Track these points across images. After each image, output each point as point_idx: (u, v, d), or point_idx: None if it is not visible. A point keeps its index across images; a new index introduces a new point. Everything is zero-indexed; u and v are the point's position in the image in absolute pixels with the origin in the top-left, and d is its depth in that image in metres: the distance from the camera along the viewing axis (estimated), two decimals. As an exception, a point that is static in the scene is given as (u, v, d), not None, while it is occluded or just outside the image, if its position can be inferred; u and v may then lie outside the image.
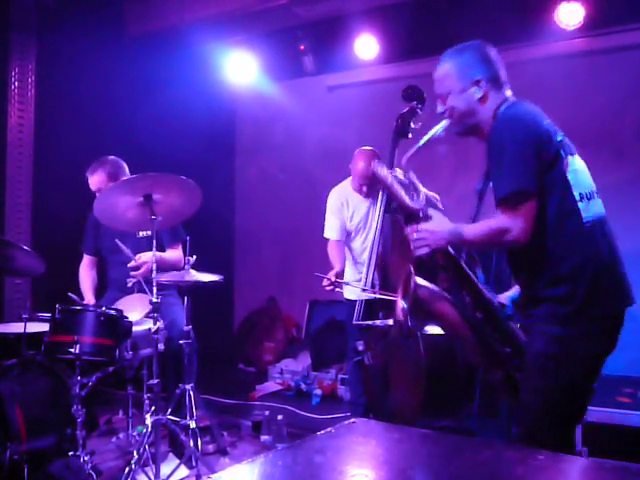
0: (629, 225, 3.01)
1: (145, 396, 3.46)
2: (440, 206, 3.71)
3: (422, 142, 2.23)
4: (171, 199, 3.11)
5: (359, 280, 3.72)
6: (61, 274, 3.82)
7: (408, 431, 1.63)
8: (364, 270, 3.65)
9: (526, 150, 1.98)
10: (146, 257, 3.40)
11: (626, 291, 2.05)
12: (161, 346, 3.10)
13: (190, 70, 5.42)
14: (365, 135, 4.63)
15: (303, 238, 5.70)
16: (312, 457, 1.41)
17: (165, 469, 3.15)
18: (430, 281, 2.20)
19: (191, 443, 3.25)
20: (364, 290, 3.54)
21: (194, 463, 3.22)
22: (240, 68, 5.49)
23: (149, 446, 3.04)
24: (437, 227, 2.12)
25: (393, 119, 3.63)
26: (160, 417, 3.02)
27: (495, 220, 2.01)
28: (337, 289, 3.63)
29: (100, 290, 3.89)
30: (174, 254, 3.72)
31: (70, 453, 2.97)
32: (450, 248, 2.14)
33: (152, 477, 2.98)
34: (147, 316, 3.27)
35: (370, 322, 3.58)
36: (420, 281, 2.09)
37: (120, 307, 3.23)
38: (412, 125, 3.54)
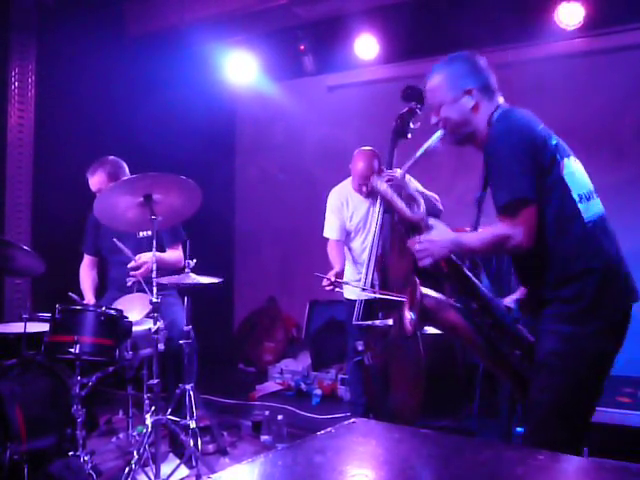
0: (629, 225, 3.01)
1: (145, 396, 3.46)
2: (440, 206, 3.72)
3: (418, 154, 2.25)
4: (171, 199, 3.11)
5: (359, 280, 3.72)
6: (61, 274, 3.82)
7: (408, 431, 1.63)
8: (364, 270, 3.65)
9: (522, 157, 2.00)
10: (146, 257, 3.40)
11: (632, 287, 2.07)
12: (161, 346, 3.10)
13: (190, 70, 5.42)
14: (365, 135, 4.63)
15: (303, 238, 5.70)
16: (312, 457, 1.41)
17: (165, 469, 3.15)
18: (435, 288, 2.21)
19: (191, 443, 3.25)
20: (364, 290, 3.54)
21: (194, 463, 3.22)
22: (240, 68, 5.49)
23: (149, 446, 3.04)
24: (439, 237, 2.14)
25: (393, 119, 3.63)
26: (160, 417, 3.02)
27: (497, 228, 2.04)
28: (337, 289, 3.64)
29: (100, 290, 3.89)
30: (174, 254, 3.72)
31: (70, 453, 2.97)
32: (453, 256, 2.15)
33: (152, 477, 2.98)
34: (147, 316, 3.27)
35: (370, 322, 3.58)
36: (426, 291, 2.10)
37: (120, 307, 3.23)
38: (411, 125, 3.54)
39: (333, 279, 3.61)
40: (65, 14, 4.73)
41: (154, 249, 3.04)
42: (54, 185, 4.65)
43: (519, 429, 3.52)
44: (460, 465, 1.39)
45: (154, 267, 3.02)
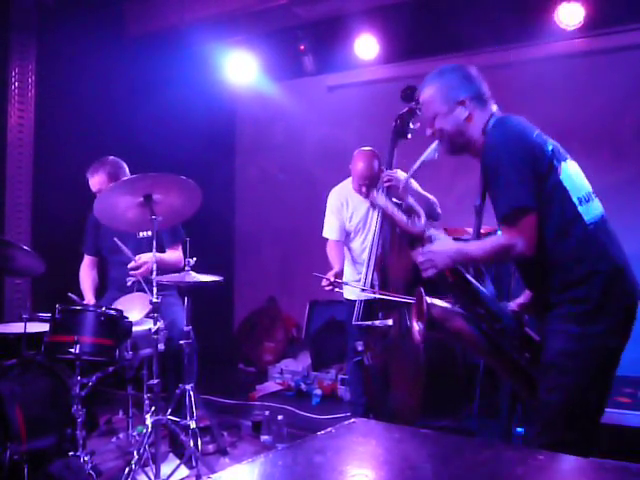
0: (629, 225, 3.01)
1: (145, 396, 3.46)
2: (438, 210, 3.72)
3: (415, 167, 2.29)
4: (171, 199, 3.11)
5: (358, 280, 3.72)
6: (61, 274, 3.82)
7: (408, 431, 1.63)
8: (363, 270, 3.65)
9: (520, 166, 2.02)
10: (146, 257, 3.40)
11: (637, 285, 2.08)
12: (161, 346, 3.10)
13: (190, 70, 5.42)
14: (365, 135, 4.62)
15: (303, 238, 5.70)
16: (312, 457, 1.41)
17: (165, 469, 3.15)
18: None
19: (191, 443, 3.25)
20: (363, 290, 3.54)
21: (194, 463, 3.22)
22: (240, 68, 5.49)
23: (149, 446, 3.04)
24: (442, 248, 2.15)
25: (393, 119, 3.63)
26: (160, 417, 3.02)
27: (498, 238, 2.07)
28: (336, 289, 3.63)
29: (100, 290, 3.89)
30: (174, 255, 3.72)
31: (70, 453, 2.97)
32: (458, 265, 2.17)
33: (152, 477, 2.98)
34: (147, 316, 3.27)
35: (370, 322, 3.58)
36: (432, 300, 2.11)
37: (120, 307, 3.23)
38: (411, 125, 3.54)
39: (332, 279, 3.60)
40: (65, 14, 4.73)
41: (154, 249, 3.04)
42: (54, 185, 4.65)
43: (519, 429, 3.52)
44: (460, 465, 1.39)
45: (154, 267, 3.02)
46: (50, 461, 2.93)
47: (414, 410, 3.28)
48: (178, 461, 3.35)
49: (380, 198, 2.31)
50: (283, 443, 3.67)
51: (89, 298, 3.74)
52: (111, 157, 3.76)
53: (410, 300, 3.00)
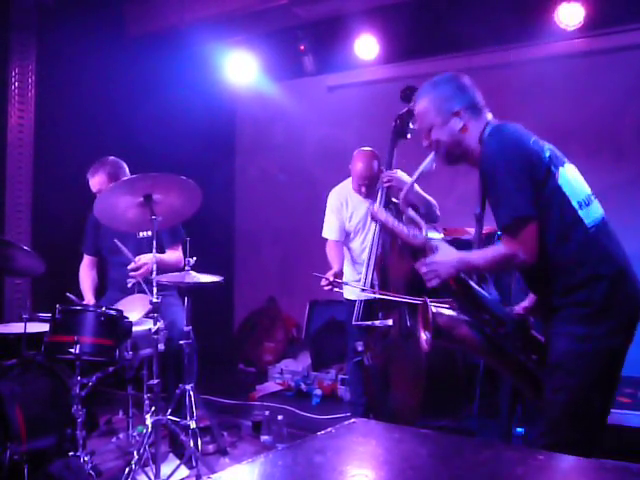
0: (629, 225, 3.01)
1: (145, 396, 3.46)
2: (437, 212, 3.72)
3: (413, 179, 2.32)
4: (171, 199, 3.10)
5: (358, 280, 3.72)
6: (61, 274, 3.82)
7: (408, 431, 1.63)
8: (363, 270, 3.65)
9: (518, 175, 2.03)
10: (145, 258, 3.40)
11: (638, 284, 2.09)
12: (161, 346, 3.10)
13: (190, 70, 5.42)
14: (365, 135, 4.62)
15: (303, 238, 5.70)
16: (312, 457, 1.41)
17: (165, 469, 3.15)
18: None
19: (191, 443, 3.25)
20: (364, 290, 3.54)
21: (194, 463, 3.22)
22: (240, 68, 5.49)
23: (149, 446, 3.04)
24: (444, 258, 2.17)
25: (393, 119, 3.63)
26: (160, 417, 3.02)
27: (500, 247, 2.08)
28: (335, 289, 3.63)
29: (100, 290, 3.89)
30: (174, 255, 3.72)
31: (70, 453, 2.97)
32: (461, 273, 2.19)
33: (152, 477, 2.98)
34: (147, 316, 3.27)
35: (370, 322, 3.58)
36: (437, 309, 2.13)
37: (120, 307, 3.23)
38: (411, 125, 3.54)
39: (332, 279, 3.60)
40: (65, 14, 4.73)
41: (154, 250, 3.03)
42: (54, 185, 4.65)
43: (519, 429, 3.53)
44: (460, 465, 1.39)
45: (154, 267, 3.02)
46: (50, 461, 2.93)
47: (414, 410, 3.28)
48: (178, 461, 3.35)
49: (381, 212, 2.33)
50: (283, 443, 3.67)
51: (89, 298, 3.74)
52: (111, 157, 3.76)
53: (410, 300, 3.00)
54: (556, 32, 4.40)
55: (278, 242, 6.42)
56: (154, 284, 3.01)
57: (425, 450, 1.49)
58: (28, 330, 3.13)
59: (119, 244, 3.29)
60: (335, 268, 3.71)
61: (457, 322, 2.15)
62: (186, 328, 3.46)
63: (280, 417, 3.85)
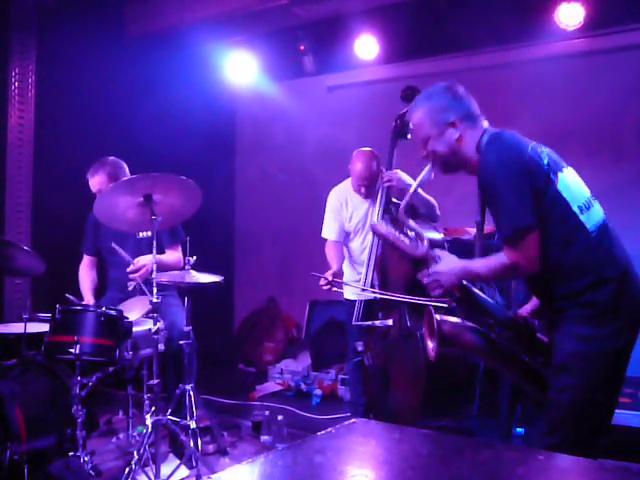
0: (629, 225, 3.01)
1: (145, 396, 3.46)
2: (438, 212, 3.72)
3: (412, 190, 2.34)
4: (171, 199, 3.10)
5: (358, 280, 3.72)
6: (61, 274, 3.82)
7: (408, 431, 1.63)
8: (363, 270, 3.65)
9: (518, 185, 2.03)
10: (144, 260, 3.40)
11: None
12: (161, 346, 3.09)
13: (190, 70, 5.42)
14: (365, 135, 4.63)
15: (303, 238, 5.70)
16: (312, 457, 1.41)
17: (165, 469, 3.15)
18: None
19: (191, 443, 3.25)
20: (364, 290, 3.54)
21: (194, 463, 3.22)
22: (240, 68, 5.49)
23: (149, 446, 3.04)
24: (447, 268, 2.18)
25: (393, 119, 3.64)
26: (160, 417, 3.02)
27: (503, 257, 2.09)
28: (334, 288, 3.62)
29: (100, 290, 3.89)
30: (173, 256, 3.71)
31: (70, 453, 2.97)
32: (464, 281, 2.20)
33: (152, 477, 2.98)
34: (147, 316, 3.27)
35: (370, 322, 3.58)
36: (442, 317, 2.14)
37: (122, 309, 3.22)
38: (411, 126, 3.53)
39: (330, 278, 3.59)
40: (65, 14, 4.73)
41: (154, 250, 3.03)
42: (54, 185, 4.65)
43: (519, 429, 3.52)
44: (460, 465, 1.39)
45: (154, 267, 3.02)
46: (50, 461, 2.93)
47: (414, 410, 3.28)
48: (178, 461, 3.35)
49: (381, 226, 2.33)
50: (283, 443, 3.67)
51: (88, 298, 3.73)
52: (111, 157, 3.76)
53: (409, 299, 3.00)
54: (556, 32, 4.39)
55: (278, 242, 6.42)
56: (154, 284, 3.01)
57: (425, 450, 1.49)
58: (28, 330, 3.13)
59: (117, 248, 3.28)
60: (334, 267, 3.70)
61: (462, 329, 2.16)
62: (186, 328, 3.46)
63: (280, 417, 3.85)
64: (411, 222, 2.30)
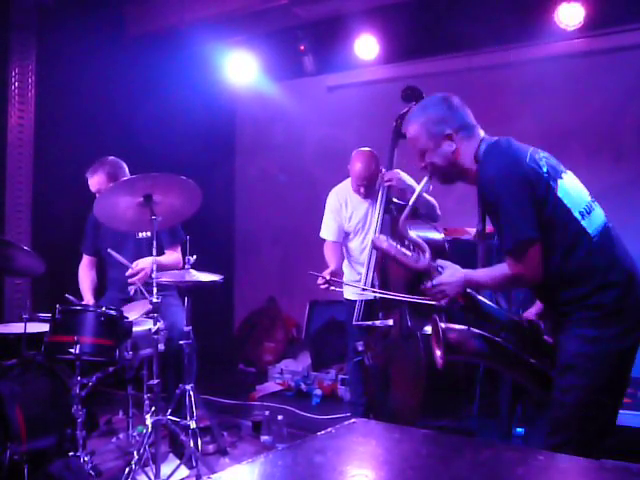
0: (629, 225, 3.01)
1: (145, 396, 3.46)
2: (438, 212, 3.72)
3: (411, 201, 2.36)
4: (171, 199, 3.10)
5: (358, 280, 3.72)
6: (61, 274, 3.82)
7: (408, 431, 1.63)
8: (363, 271, 3.65)
9: (519, 197, 2.04)
10: (143, 263, 3.40)
11: None
12: (161, 346, 3.10)
13: (190, 70, 5.42)
14: (365, 135, 4.63)
15: (303, 238, 5.69)
16: (312, 457, 1.41)
17: (165, 469, 3.15)
18: None
19: (191, 443, 3.25)
20: (364, 290, 3.54)
21: (194, 463, 3.22)
22: (240, 68, 5.49)
23: (149, 446, 3.04)
24: (451, 278, 2.19)
25: (393, 119, 3.63)
26: (160, 417, 3.02)
27: (506, 269, 2.10)
28: (332, 287, 3.61)
29: (100, 290, 3.89)
30: (172, 257, 3.71)
31: (70, 453, 2.97)
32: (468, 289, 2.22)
33: (152, 477, 2.98)
34: (147, 316, 3.26)
35: (370, 322, 3.58)
36: (447, 325, 2.14)
37: (125, 311, 3.22)
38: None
39: (328, 277, 3.58)
40: (65, 14, 4.73)
41: (154, 251, 3.03)
42: (54, 185, 4.65)
43: (519, 429, 3.52)
44: (460, 465, 1.39)
45: (154, 267, 3.02)
46: (50, 461, 2.93)
47: (414, 410, 3.27)
48: (178, 461, 3.35)
49: (382, 242, 2.34)
50: (283, 443, 3.67)
51: (88, 298, 3.73)
52: (111, 157, 3.76)
53: (409, 299, 3.00)
54: (556, 32, 4.39)
55: (278, 242, 6.42)
56: (154, 284, 3.01)
57: (425, 450, 1.49)
58: (28, 330, 3.13)
59: (114, 254, 3.27)
60: (332, 266, 3.70)
61: (468, 336, 2.17)
62: (186, 328, 3.46)
63: (280, 417, 3.85)
64: (412, 234, 2.31)
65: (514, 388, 3.35)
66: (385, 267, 3.56)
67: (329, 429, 1.55)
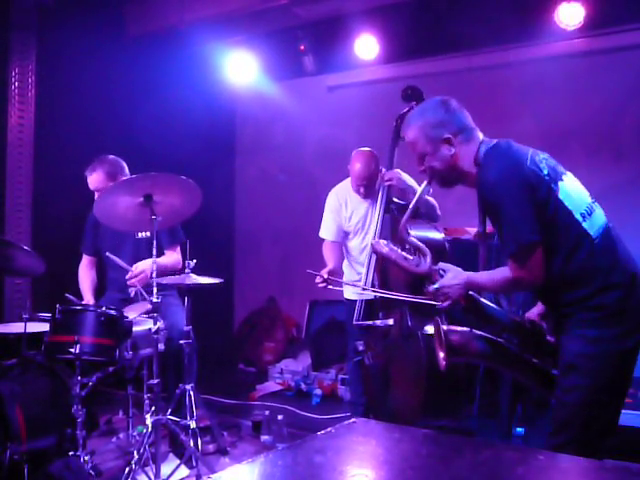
0: (629, 225, 3.01)
1: (145, 396, 3.46)
2: (438, 212, 3.72)
3: (412, 205, 2.36)
4: (171, 199, 3.10)
5: (358, 280, 3.72)
6: (61, 274, 3.82)
7: (408, 431, 1.63)
8: (363, 270, 3.65)
9: (520, 201, 2.04)
10: (143, 266, 3.39)
11: None
12: (161, 346, 3.10)
13: (190, 70, 5.42)
14: (365, 135, 4.63)
15: (303, 238, 5.69)
16: (312, 457, 1.41)
17: (165, 469, 3.15)
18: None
19: (191, 443, 3.25)
20: (364, 290, 3.54)
21: (194, 463, 3.22)
22: (240, 68, 5.49)
23: (149, 446, 3.04)
24: (453, 281, 2.20)
25: (393, 119, 3.63)
26: (160, 417, 3.02)
27: (507, 272, 2.11)
28: (330, 286, 3.60)
29: (100, 290, 3.89)
30: (172, 258, 3.70)
31: (70, 453, 2.97)
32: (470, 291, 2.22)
33: (152, 477, 2.98)
34: (147, 316, 3.26)
35: (370, 322, 3.57)
36: (449, 328, 2.15)
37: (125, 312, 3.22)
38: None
39: (326, 276, 3.58)
40: (65, 14, 4.73)
41: (154, 251, 3.03)
42: (54, 185, 4.65)
43: (519, 429, 3.52)
44: (460, 465, 1.39)
45: (154, 267, 3.02)
46: (50, 461, 2.93)
47: (414, 410, 3.27)
48: (178, 461, 3.35)
49: (382, 247, 2.34)
50: (283, 443, 3.67)
51: (88, 298, 3.73)
52: (111, 156, 3.76)
53: (409, 298, 3.00)
54: (556, 32, 4.39)
55: (278, 242, 6.42)
56: (154, 284, 3.00)
57: (425, 450, 1.50)
58: (28, 330, 3.13)
59: (112, 257, 3.27)
60: (330, 266, 3.69)
61: (470, 337, 2.17)
62: (186, 328, 3.46)
63: (280, 417, 3.85)
64: (412, 238, 2.31)
65: (514, 388, 3.36)
66: (385, 267, 3.56)
67: (329, 429, 1.55)
